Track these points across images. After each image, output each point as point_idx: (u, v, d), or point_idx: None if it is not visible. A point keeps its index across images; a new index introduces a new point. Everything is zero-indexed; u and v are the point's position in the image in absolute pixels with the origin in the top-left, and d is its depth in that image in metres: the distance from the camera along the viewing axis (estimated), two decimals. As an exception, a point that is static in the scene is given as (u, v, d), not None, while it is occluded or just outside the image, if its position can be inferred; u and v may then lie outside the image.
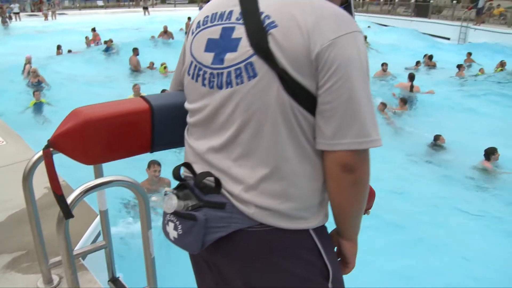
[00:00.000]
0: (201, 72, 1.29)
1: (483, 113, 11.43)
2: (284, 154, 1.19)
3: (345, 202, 1.25)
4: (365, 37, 20.19)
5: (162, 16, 31.28)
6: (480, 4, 24.76)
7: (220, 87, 1.23)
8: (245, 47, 1.18)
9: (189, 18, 23.46)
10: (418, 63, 17.08)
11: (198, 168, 1.32)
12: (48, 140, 1.41)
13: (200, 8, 36.54)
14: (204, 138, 1.31)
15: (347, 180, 1.19)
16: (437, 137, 8.89)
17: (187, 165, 1.35)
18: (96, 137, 1.41)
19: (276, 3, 1.18)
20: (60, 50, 17.84)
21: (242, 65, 1.18)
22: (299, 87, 1.14)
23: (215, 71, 1.24)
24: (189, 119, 1.39)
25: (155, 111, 1.49)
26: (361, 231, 1.39)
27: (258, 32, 1.16)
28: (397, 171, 7.69)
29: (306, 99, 1.16)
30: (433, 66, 17.39)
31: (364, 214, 1.81)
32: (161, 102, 1.53)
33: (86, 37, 20.82)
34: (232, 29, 1.23)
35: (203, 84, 1.29)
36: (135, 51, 15.45)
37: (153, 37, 20.59)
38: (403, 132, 10.04)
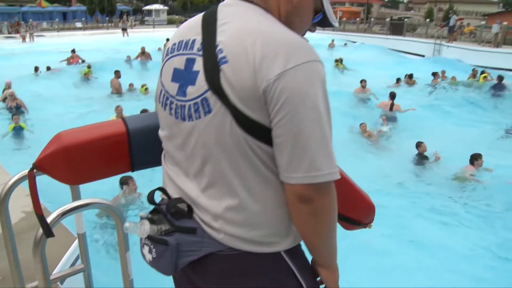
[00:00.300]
0: (168, 102, 1.31)
1: (460, 123, 11.72)
2: (247, 185, 1.21)
3: (307, 232, 1.25)
4: (341, 60, 20.51)
5: (141, 37, 31.34)
6: (451, 23, 25.62)
7: (183, 119, 1.25)
8: (201, 82, 1.19)
9: (167, 39, 23.46)
10: (398, 80, 17.31)
11: (173, 193, 1.35)
12: (33, 163, 1.49)
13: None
14: (176, 165, 1.34)
15: (305, 210, 1.19)
16: (418, 145, 9.14)
17: (163, 189, 1.38)
18: (78, 160, 1.51)
19: (231, 34, 1.18)
20: (38, 72, 17.70)
21: (199, 100, 1.19)
22: (252, 122, 1.15)
23: (179, 103, 1.26)
24: (163, 145, 1.41)
25: (131, 134, 1.55)
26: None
27: (212, 68, 1.16)
28: (385, 188, 7.78)
29: (261, 132, 1.16)
30: (413, 84, 17.68)
31: (366, 227, 1.85)
32: (139, 125, 1.57)
33: (68, 58, 20.78)
34: (193, 61, 1.23)
35: (170, 114, 1.30)
36: (117, 73, 15.32)
37: (128, 57, 20.44)
38: (387, 150, 10.19)
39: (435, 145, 9.19)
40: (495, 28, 24.15)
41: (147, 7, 53.91)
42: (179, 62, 1.28)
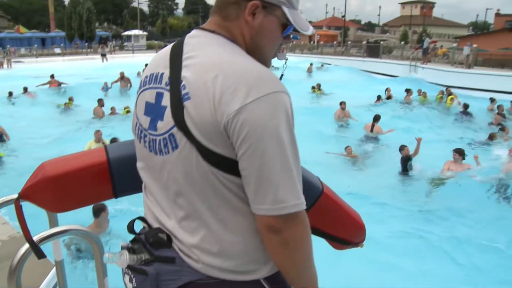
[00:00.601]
0: (142, 134, 1.33)
1: (431, 138, 11.97)
2: (219, 217, 1.22)
3: (280, 262, 1.24)
4: (319, 86, 20.72)
5: (120, 62, 31.25)
6: (425, 45, 26.27)
7: (156, 153, 1.27)
8: (168, 118, 1.20)
9: (146, 65, 23.40)
10: (379, 97, 17.82)
11: (152, 222, 1.36)
12: (19, 193, 1.55)
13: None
14: (153, 196, 1.35)
15: (275, 241, 1.18)
16: (401, 148, 9.42)
17: (143, 219, 1.39)
18: (62, 189, 1.56)
19: (194, 69, 1.19)
20: (12, 96, 17.49)
21: (167, 135, 1.21)
22: (218, 156, 1.15)
23: (151, 137, 1.28)
24: (141, 175, 1.41)
25: (112, 163, 1.59)
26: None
27: (177, 104, 1.18)
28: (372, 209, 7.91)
29: (228, 165, 1.17)
30: (390, 98, 18.31)
31: (357, 247, 1.87)
32: (119, 154, 1.61)
33: (46, 83, 20.67)
34: (162, 95, 1.25)
35: (145, 146, 1.32)
36: (100, 102, 15.32)
37: (105, 83, 20.26)
38: (370, 169, 10.41)
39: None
40: (466, 50, 24.89)
41: (126, 33, 54.15)
42: (150, 95, 1.30)
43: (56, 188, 1.55)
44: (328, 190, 1.69)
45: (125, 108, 14.75)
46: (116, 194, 1.65)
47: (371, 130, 12.56)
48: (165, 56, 1.32)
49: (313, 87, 20.65)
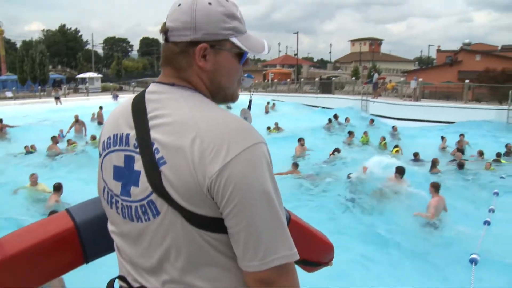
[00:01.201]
0: (113, 200, 1.27)
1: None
2: (207, 278, 1.18)
3: None
4: (276, 124, 21.15)
5: (74, 105, 30.89)
6: (374, 80, 27.59)
7: (132, 220, 1.21)
8: (144, 183, 1.15)
9: (100, 108, 23.22)
10: (330, 120, 19.31)
11: (133, 283, 1.29)
12: None
13: (113, 96, 36.75)
14: (130, 259, 1.28)
15: None
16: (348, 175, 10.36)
17: (123, 277, 1.32)
18: (26, 265, 1.40)
19: (165, 131, 1.15)
20: None
21: (145, 202, 1.16)
22: (203, 218, 1.12)
23: (125, 203, 1.22)
24: (114, 239, 1.35)
25: (80, 228, 1.46)
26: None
27: (152, 169, 1.13)
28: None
29: (214, 225, 1.14)
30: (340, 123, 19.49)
31: (327, 266, 1.93)
32: (87, 217, 1.49)
33: None
34: (132, 158, 1.20)
35: (118, 213, 1.27)
36: (54, 139, 15.36)
37: (61, 130, 19.56)
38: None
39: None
40: (413, 84, 26.27)
41: (81, 75, 53.52)
42: (117, 158, 1.25)
43: (20, 266, 1.38)
44: (294, 216, 1.68)
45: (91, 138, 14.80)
46: (87, 259, 1.52)
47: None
48: (126, 114, 1.27)
49: (268, 128, 20.69)
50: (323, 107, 28.92)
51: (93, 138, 14.77)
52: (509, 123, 20.00)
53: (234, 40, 1.25)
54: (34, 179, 10.11)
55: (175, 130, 1.13)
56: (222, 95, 1.30)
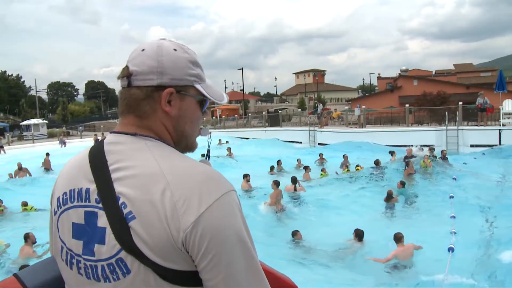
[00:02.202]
0: (74, 260, 1.18)
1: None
2: None
3: None
4: (229, 149, 21.39)
5: (20, 153, 29.97)
6: (318, 111, 28.50)
7: (98, 280, 1.13)
8: (112, 241, 1.08)
9: (47, 154, 22.58)
10: (272, 168, 18.93)
11: None
12: None
13: (60, 141, 35.86)
14: None
15: None
16: (294, 233, 10.08)
17: None
18: None
19: (132, 184, 1.09)
20: None
21: (113, 260, 1.08)
22: (177, 273, 1.08)
23: (88, 263, 1.13)
24: None
25: None
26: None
27: (120, 225, 1.07)
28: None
29: (189, 279, 1.09)
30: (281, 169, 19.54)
31: None
32: (38, 281, 1.38)
33: None
34: (95, 215, 1.12)
35: (80, 273, 1.17)
36: None
37: (10, 175, 19.06)
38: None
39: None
40: (357, 111, 27.37)
41: (25, 122, 52.09)
42: (76, 216, 1.17)
43: None
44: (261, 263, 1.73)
45: (24, 205, 13.71)
46: None
47: (294, 190, 13.66)
48: (82, 167, 1.21)
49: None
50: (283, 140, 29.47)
51: (25, 204, 13.63)
52: (448, 142, 21.17)
53: (198, 87, 1.25)
54: None
55: (142, 182, 1.08)
56: (184, 143, 1.28)
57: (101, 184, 1.13)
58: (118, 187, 1.10)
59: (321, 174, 16.82)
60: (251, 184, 15.16)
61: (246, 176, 15.20)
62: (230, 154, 22.23)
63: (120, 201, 1.08)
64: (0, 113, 74.39)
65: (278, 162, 19.65)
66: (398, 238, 8.51)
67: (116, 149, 1.18)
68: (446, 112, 22.22)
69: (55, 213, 1.24)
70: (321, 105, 30.19)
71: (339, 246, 9.34)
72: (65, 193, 1.21)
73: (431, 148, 17.75)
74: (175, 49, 1.23)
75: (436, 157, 16.42)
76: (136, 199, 1.06)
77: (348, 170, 17.18)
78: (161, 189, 1.06)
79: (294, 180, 13.77)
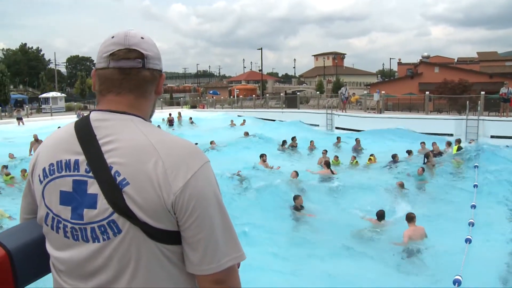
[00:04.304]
0: (61, 225, 1.30)
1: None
2: (159, 285, 1.27)
3: None
4: (247, 133, 21.47)
5: (38, 125, 30.19)
6: (345, 94, 27.83)
7: (86, 241, 1.26)
8: (104, 205, 1.22)
9: (59, 128, 22.51)
10: (284, 142, 19.65)
11: None
12: None
13: (78, 115, 36.22)
14: (75, 280, 1.30)
15: None
16: (295, 197, 10.49)
17: None
18: None
19: (123, 153, 1.24)
20: None
21: (105, 222, 1.23)
22: (163, 232, 1.23)
23: (76, 226, 1.27)
24: (54, 264, 1.36)
25: (14, 256, 1.38)
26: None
27: (113, 191, 1.21)
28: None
29: (172, 237, 1.25)
30: (296, 146, 19.90)
31: None
32: (19, 243, 1.41)
33: None
34: (84, 183, 1.26)
35: (66, 236, 1.30)
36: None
37: (10, 155, 18.65)
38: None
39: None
40: (376, 96, 26.95)
41: (44, 95, 52.51)
42: (64, 184, 1.29)
43: None
44: None
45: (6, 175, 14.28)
46: (18, 286, 1.41)
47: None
48: (68, 140, 1.33)
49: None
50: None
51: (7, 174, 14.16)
52: (468, 132, 20.76)
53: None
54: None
55: (135, 154, 1.23)
56: (151, 117, 1.47)
57: (91, 156, 1.26)
58: (110, 158, 1.24)
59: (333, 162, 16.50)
60: (268, 163, 15.42)
61: (262, 156, 15.62)
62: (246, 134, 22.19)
63: (113, 170, 1.22)
64: (19, 85, 75.16)
65: (293, 138, 20.07)
66: (410, 218, 8.55)
67: (104, 124, 1.30)
68: (468, 101, 21.74)
69: (41, 182, 1.34)
70: (348, 87, 29.61)
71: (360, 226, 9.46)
72: (51, 164, 1.32)
73: (458, 140, 17.02)
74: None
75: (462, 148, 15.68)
76: (130, 168, 1.22)
77: (356, 162, 16.72)
78: (153, 160, 1.22)
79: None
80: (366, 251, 8.39)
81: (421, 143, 17.62)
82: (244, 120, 30.26)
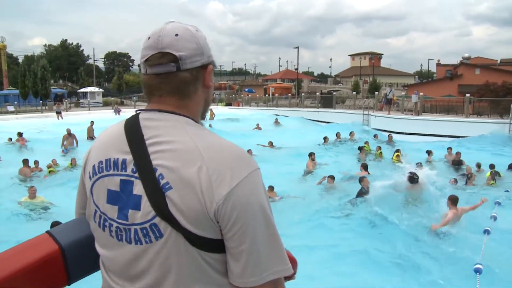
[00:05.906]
0: (107, 224, 1.30)
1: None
2: None
3: None
4: (271, 143, 20.93)
5: (76, 120, 30.83)
6: (390, 96, 26.97)
7: (129, 242, 1.25)
8: (147, 208, 1.20)
9: (91, 122, 23.08)
10: (325, 138, 20.12)
11: None
12: None
13: (115, 110, 36.85)
14: (122, 281, 1.30)
15: None
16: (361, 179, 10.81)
17: None
18: None
19: (170, 157, 1.20)
20: None
21: (147, 225, 1.20)
22: (205, 240, 1.19)
23: (122, 226, 1.26)
24: (103, 262, 1.37)
25: (66, 250, 1.42)
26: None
27: (156, 194, 1.18)
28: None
29: (215, 245, 1.21)
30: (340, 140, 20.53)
31: (291, 279, 2.04)
32: (72, 239, 1.45)
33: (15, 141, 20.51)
34: (130, 183, 1.24)
35: (111, 235, 1.29)
36: (26, 162, 14.89)
37: (65, 146, 19.60)
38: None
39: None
40: (414, 98, 26.31)
41: (82, 90, 53.81)
42: (112, 183, 1.28)
43: None
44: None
45: (48, 167, 14.72)
46: (69, 281, 1.47)
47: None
48: (118, 138, 1.32)
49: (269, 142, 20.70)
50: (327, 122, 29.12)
51: (50, 169, 14.59)
52: (511, 136, 19.97)
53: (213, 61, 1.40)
54: (33, 192, 10.49)
55: (180, 157, 1.19)
56: (206, 112, 1.43)
57: (137, 156, 1.24)
58: (155, 160, 1.20)
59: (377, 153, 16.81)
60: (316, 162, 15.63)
61: (311, 155, 15.75)
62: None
63: (158, 173, 1.19)
64: (59, 80, 77.21)
65: (337, 134, 20.67)
66: (454, 200, 8.68)
67: (152, 124, 1.28)
68: (511, 105, 20.94)
69: (90, 179, 1.35)
70: (393, 88, 28.97)
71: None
72: (100, 162, 1.31)
73: (478, 164, 15.07)
74: (197, 30, 1.34)
75: (499, 174, 13.98)
76: (174, 172, 1.18)
77: (380, 153, 16.94)
78: (198, 165, 1.17)
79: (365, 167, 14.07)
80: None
81: (448, 149, 16.98)
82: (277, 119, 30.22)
